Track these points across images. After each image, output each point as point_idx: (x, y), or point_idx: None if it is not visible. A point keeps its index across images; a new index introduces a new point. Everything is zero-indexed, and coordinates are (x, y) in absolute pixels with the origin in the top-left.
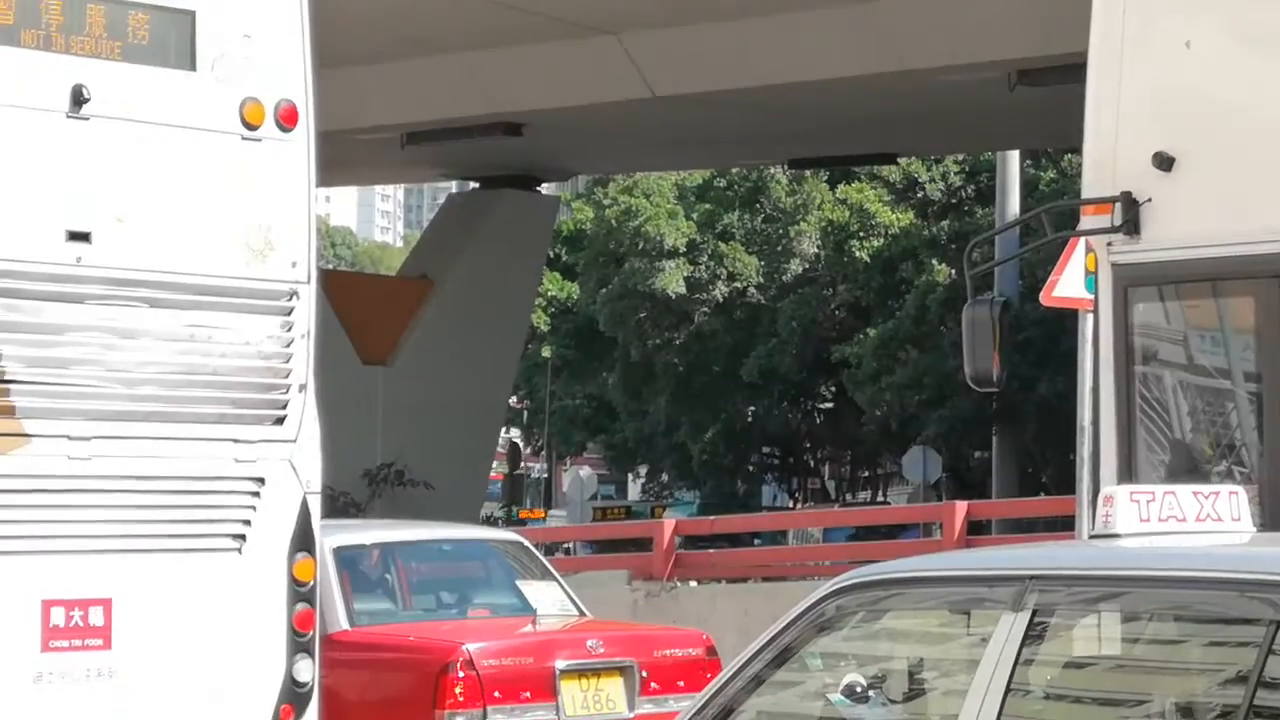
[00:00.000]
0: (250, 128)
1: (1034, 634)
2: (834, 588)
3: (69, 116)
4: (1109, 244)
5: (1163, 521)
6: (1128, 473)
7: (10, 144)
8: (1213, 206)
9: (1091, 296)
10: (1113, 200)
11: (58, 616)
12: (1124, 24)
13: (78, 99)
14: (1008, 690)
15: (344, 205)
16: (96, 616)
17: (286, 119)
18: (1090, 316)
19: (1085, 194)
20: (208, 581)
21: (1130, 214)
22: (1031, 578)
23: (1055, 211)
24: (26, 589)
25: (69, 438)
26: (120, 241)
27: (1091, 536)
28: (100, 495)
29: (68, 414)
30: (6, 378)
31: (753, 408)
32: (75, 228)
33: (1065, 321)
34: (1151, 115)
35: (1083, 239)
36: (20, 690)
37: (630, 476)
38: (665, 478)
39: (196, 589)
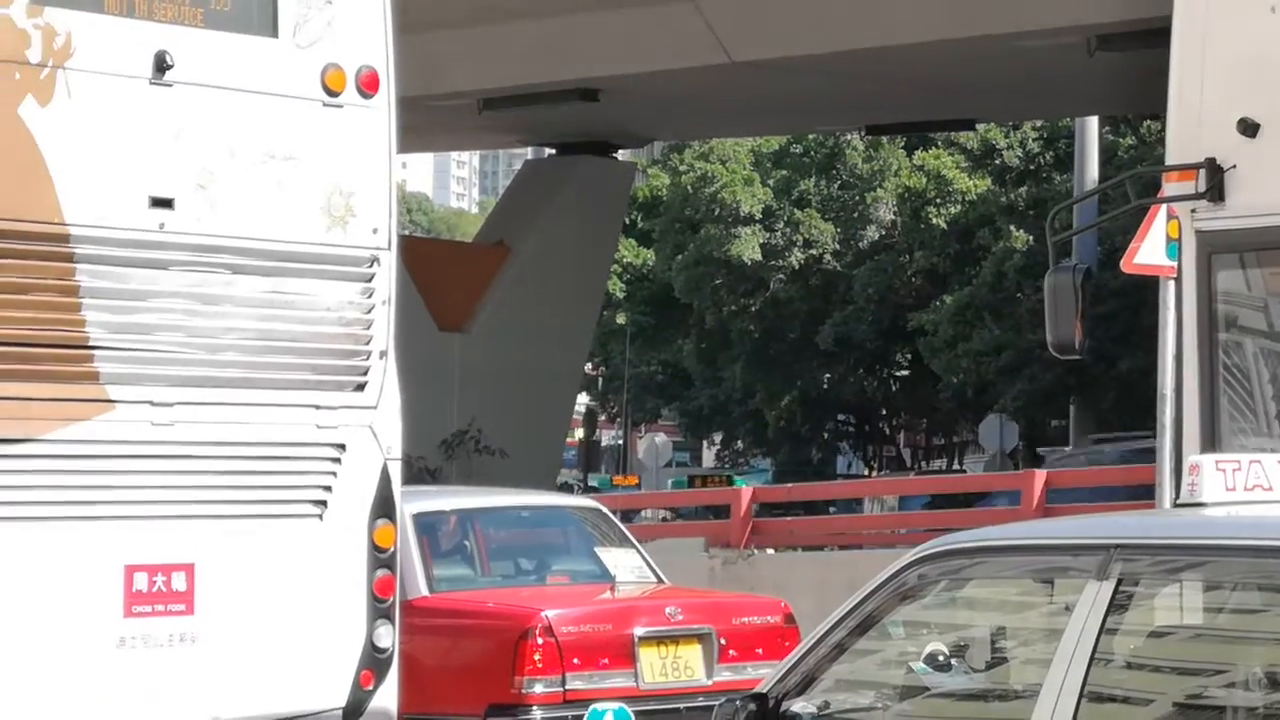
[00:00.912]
0: (332, 94)
1: (1119, 603)
2: (916, 556)
3: (152, 83)
4: (1193, 211)
5: (1249, 490)
6: (1211, 441)
7: (94, 111)
8: None
9: (1174, 264)
10: (1197, 167)
11: (140, 582)
12: None
13: (161, 65)
14: (1092, 659)
15: (420, 172)
16: (179, 582)
17: (368, 85)
18: (1172, 284)
19: (1169, 160)
20: (289, 547)
21: (1214, 180)
22: (1117, 546)
23: (1137, 178)
24: (110, 554)
25: (152, 403)
26: (203, 208)
27: (1176, 505)
28: (182, 461)
29: (151, 380)
30: (91, 343)
31: (828, 375)
32: (158, 194)
33: (1146, 293)
34: (1236, 81)
35: (1165, 206)
36: (103, 655)
37: (705, 444)
38: (740, 445)
39: (278, 555)
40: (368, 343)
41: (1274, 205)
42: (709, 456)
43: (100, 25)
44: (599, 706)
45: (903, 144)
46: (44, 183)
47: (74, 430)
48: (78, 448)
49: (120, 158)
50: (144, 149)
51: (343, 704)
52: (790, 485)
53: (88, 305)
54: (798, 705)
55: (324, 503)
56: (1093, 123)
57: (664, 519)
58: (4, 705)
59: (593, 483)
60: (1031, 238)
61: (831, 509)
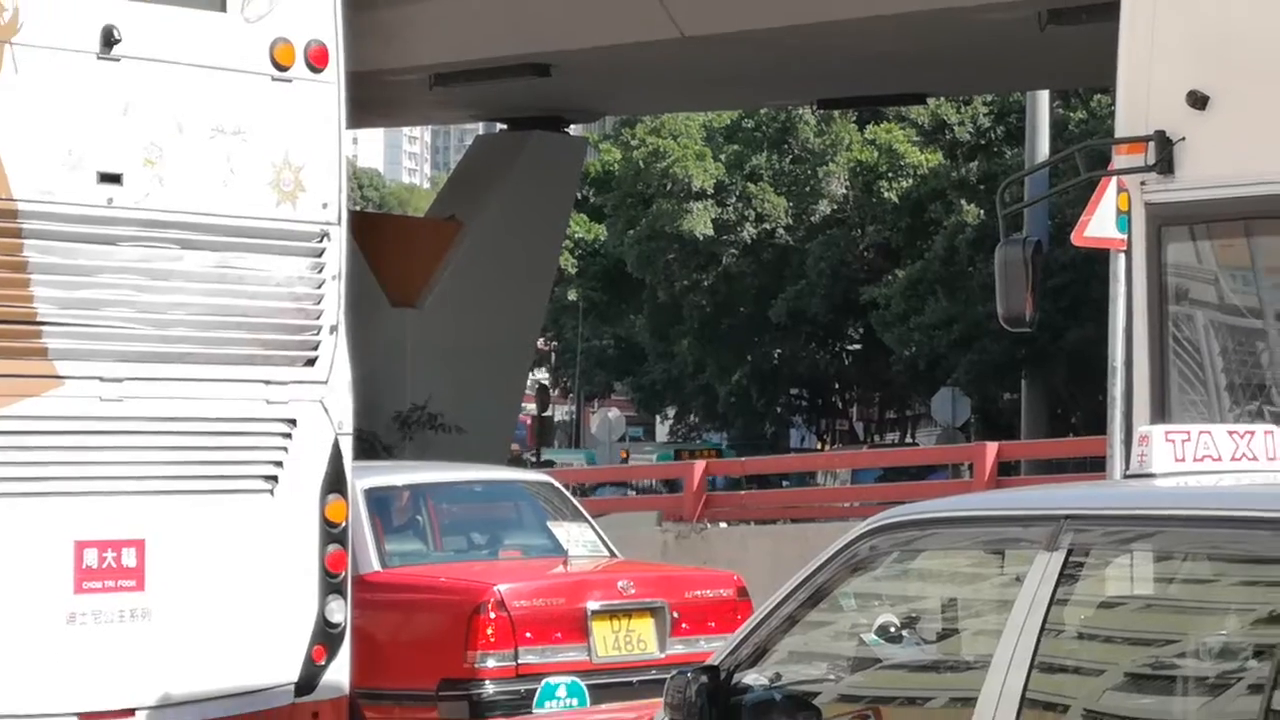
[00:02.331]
0: (280, 68)
1: (1069, 574)
2: (868, 528)
3: (99, 58)
4: (1142, 183)
5: (1198, 461)
6: (1160, 413)
7: (41, 85)
8: (1246, 145)
9: (1124, 236)
10: (1146, 139)
11: (90, 558)
12: None
13: (108, 40)
14: (1042, 630)
15: (371, 147)
16: (129, 558)
17: (317, 59)
18: (1122, 256)
19: (1118, 133)
20: (240, 523)
21: (1164, 153)
22: (1067, 517)
23: (1087, 151)
24: (59, 530)
25: (101, 379)
26: (151, 183)
27: (1126, 476)
28: (132, 436)
29: (99, 355)
30: (39, 319)
31: (780, 349)
32: (106, 169)
33: (1095, 266)
34: (1185, 53)
35: (1115, 179)
36: (54, 631)
37: (658, 418)
38: (693, 419)
39: (229, 530)
40: (318, 318)
41: (1223, 177)
42: (662, 431)
43: (47, 0)
44: (552, 680)
45: (854, 118)
46: None
47: (23, 406)
48: (26, 423)
49: (68, 133)
50: (92, 124)
51: (295, 679)
52: (744, 459)
53: (36, 281)
54: (750, 677)
55: (275, 478)
56: (1043, 97)
57: None
58: None
59: (548, 457)
60: (983, 212)
61: (785, 483)
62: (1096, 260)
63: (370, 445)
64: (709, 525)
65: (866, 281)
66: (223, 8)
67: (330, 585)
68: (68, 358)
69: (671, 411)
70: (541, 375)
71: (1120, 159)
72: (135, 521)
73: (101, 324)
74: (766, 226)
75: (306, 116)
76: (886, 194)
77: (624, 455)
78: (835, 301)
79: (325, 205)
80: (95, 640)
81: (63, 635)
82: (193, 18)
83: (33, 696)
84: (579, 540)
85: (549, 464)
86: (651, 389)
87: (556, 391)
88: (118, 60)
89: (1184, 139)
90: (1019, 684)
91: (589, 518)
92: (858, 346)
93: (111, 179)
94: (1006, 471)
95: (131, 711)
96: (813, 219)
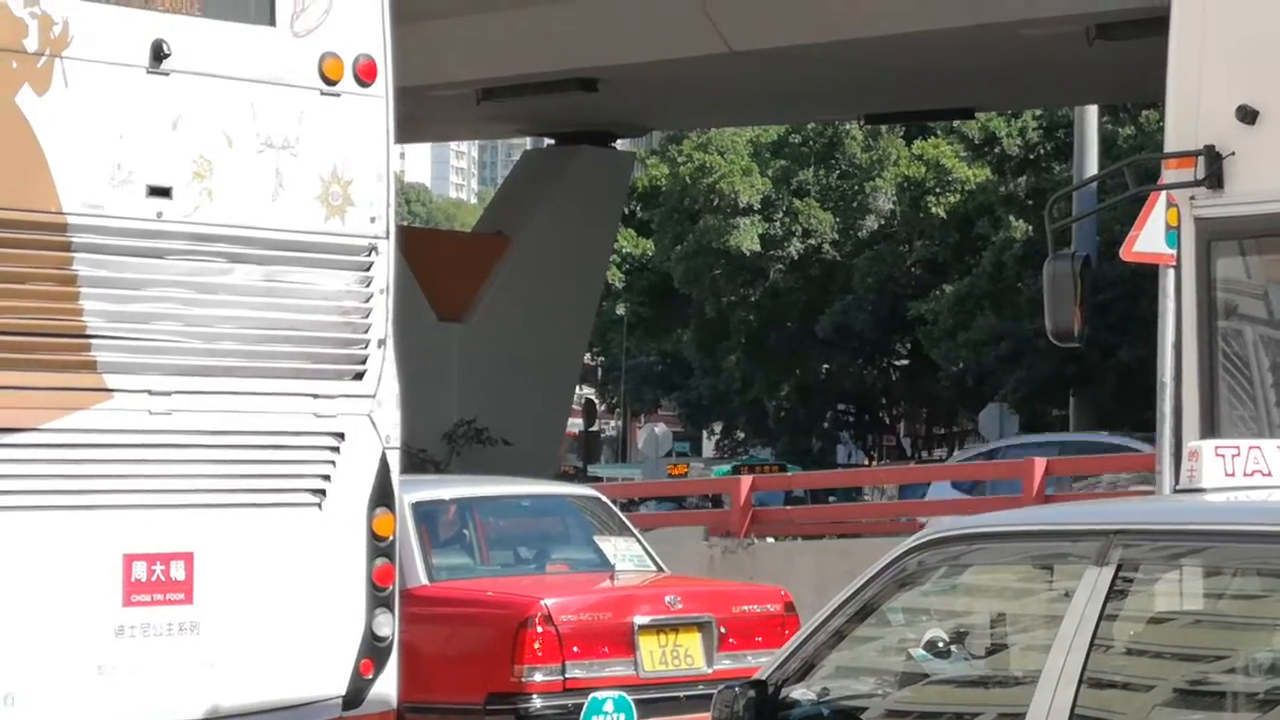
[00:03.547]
0: (329, 83)
1: (1118, 589)
2: (916, 542)
3: (149, 72)
4: (1191, 198)
5: (1248, 476)
6: (1210, 428)
7: (91, 99)
8: None
9: (1173, 252)
10: (1196, 154)
11: (139, 571)
12: None
13: (158, 54)
14: (1091, 646)
15: (418, 162)
16: (178, 571)
17: (365, 74)
18: (1171, 272)
19: (1167, 148)
20: (288, 536)
21: (1213, 167)
22: (1116, 532)
23: (1136, 167)
24: (108, 544)
25: (150, 392)
26: (200, 197)
27: (1175, 491)
28: (180, 450)
29: (149, 369)
30: (88, 332)
31: (827, 365)
32: (156, 183)
33: (1144, 283)
34: (1235, 68)
35: (1164, 194)
36: (103, 644)
37: (705, 433)
38: (740, 435)
39: (277, 544)
40: (366, 331)
41: (1273, 192)
42: (709, 446)
43: (97, 14)
44: (599, 695)
45: (902, 133)
46: (41, 172)
47: (72, 419)
48: (76, 437)
49: (118, 146)
50: (141, 138)
51: (342, 692)
52: (791, 474)
53: (85, 294)
54: (797, 692)
55: (323, 492)
56: (1092, 112)
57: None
58: (4, 696)
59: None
60: (1031, 227)
61: (831, 498)
62: (1146, 276)
63: (418, 459)
64: (756, 540)
65: (914, 297)
66: (272, 22)
67: (378, 599)
68: (117, 371)
69: (718, 427)
70: (588, 390)
71: (1169, 174)
72: (184, 535)
73: (150, 337)
74: (813, 242)
75: (355, 131)
76: (934, 209)
77: (682, 470)
78: (882, 317)
79: (373, 219)
80: (144, 653)
81: (111, 648)
82: (242, 32)
83: (81, 710)
84: (626, 554)
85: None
86: (698, 404)
87: (603, 407)
88: (167, 74)
89: (1233, 153)
90: (1068, 700)
91: (636, 532)
92: (905, 362)
93: (161, 193)
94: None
95: None
96: (860, 234)
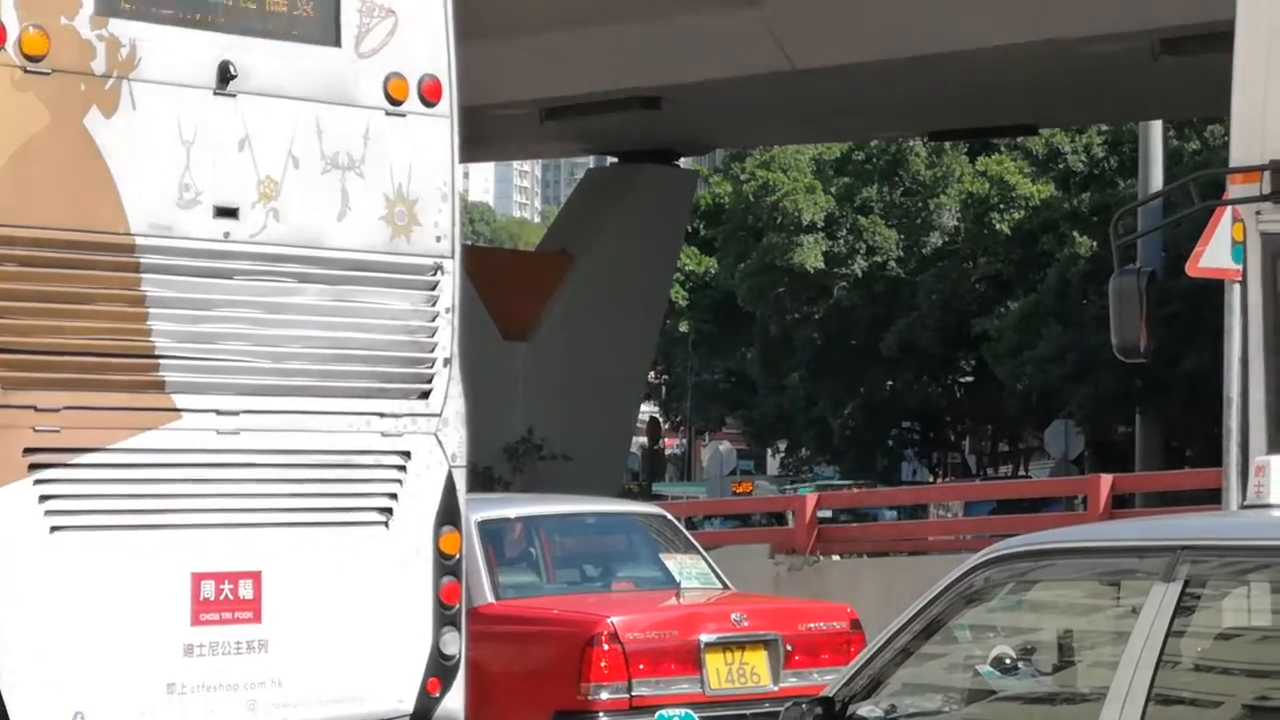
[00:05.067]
0: (394, 103)
1: (1185, 605)
2: (983, 559)
3: (216, 93)
4: (1258, 213)
5: None
6: (1277, 443)
7: (159, 121)
8: None
9: (1239, 267)
10: (1262, 169)
11: (208, 590)
12: None
13: (224, 75)
14: (1159, 662)
15: (482, 181)
16: (246, 590)
17: (430, 94)
18: (1238, 287)
19: (1233, 162)
20: (355, 555)
21: (1279, 183)
22: (1183, 548)
23: (1201, 182)
24: (177, 562)
25: (218, 412)
26: (267, 217)
27: (1242, 507)
28: (248, 469)
29: (216, 389)
30: (157, 353)
31: (891, 382)
32: (223, 203)
33: (1210, 295)
34: None
35: (1230, 209)
36: (172, 663)
37: (769, 451)
38: (804, 452)
39: (344, 562)
40: (432, 350)
41: None
42: (773, 464)
43: (164, 36)
44: (665, 712)
45: (965, 150)
46: (109, 193)
47: (141, 439)
48: (145, 456)
49: (184, 168)
50: (208, 159)
51: (410, 711)
52: (855, 491)
53: (154, 315)
54: (864, 709)
55: (389, 510)
56: (1157, 127)
57: None
58: (75, 714)
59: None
60: (1095, 243)
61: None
62: (1212, 289)
63: (484, 477)
64: (821, 558)
65: (978, 313)
66: (337, 43)
67: (445, 617)
68: (185, 391)
69: (782, 445)
70: (652, 408)
71: (1235, 189)
72: (252, 554)
73: (218, 357)
74: (877, 259)
75: (420, 151)
76: (998, 225)
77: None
78: (947, 334)
79: (439, 239)
80: (212, 672)
81: (180, 667)
82: (308, 53)
83: None
84: (691, 572)
85: (661, 498)
86: (762, 422)
87: (668, 425)
88: (234, 96)
89: None
90: (1136, 716)
91: (701, 549)
92: (970, 379)
93: (228, 213)
94: (1121, 504)
95: None
96: (924, 251)
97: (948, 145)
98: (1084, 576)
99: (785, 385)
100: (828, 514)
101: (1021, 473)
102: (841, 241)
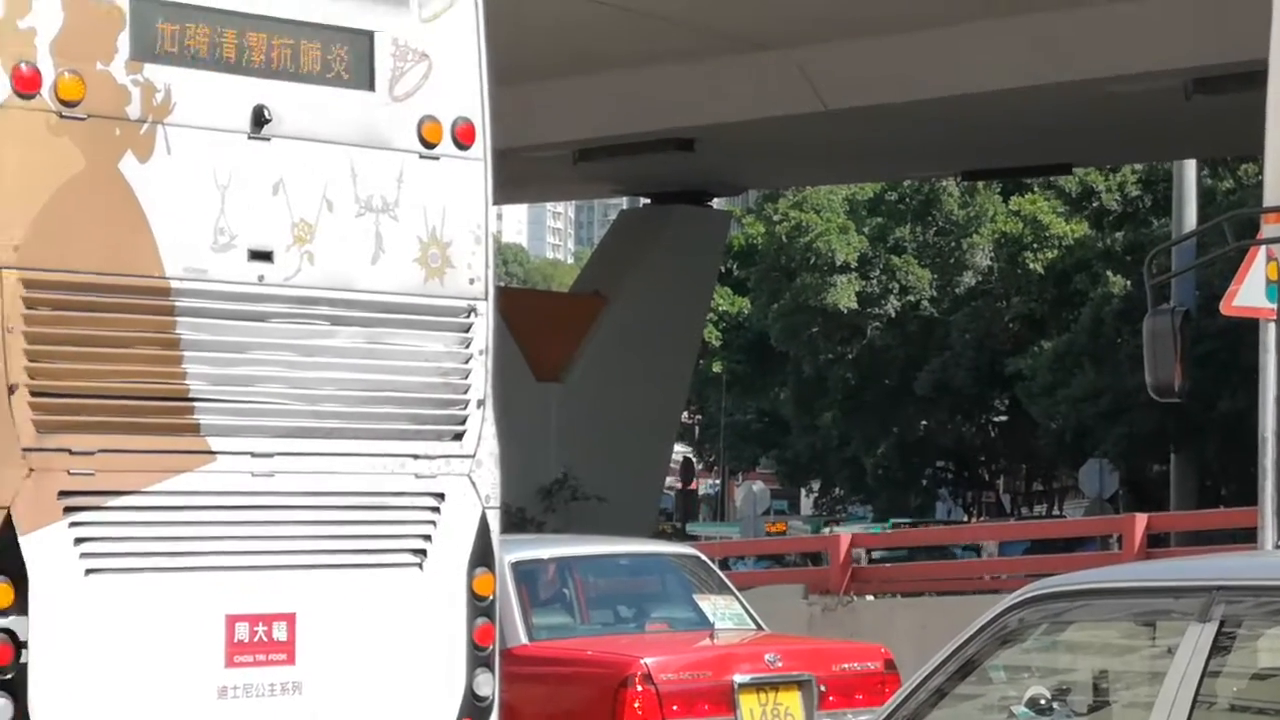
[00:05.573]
0: (428, 146)
1: (1221, 645)
2: (1018, 599)
3: (250, 137)
4: None
5: None
6: None
7: (193, 165)
8: None
9: (1274, 306)
10: None
11: (242, 632)
12: None
13: (259, 120)
14: (1195, 702)
15: (515, 223)
16: (280, 631)
17: (464, 137)
18: (1272, 326)
19: (1266, 202)
20: (389, 596)
21: None
22: (1219, 588)
23: (1235, 221)
24: (211, 604)
25: (252, 454)
26: (301, 260)
27: (1278, 546)
28: (283, 511)
29: (251, 431)
30: (191, 395)
31: (925, 421)
32: (257, 247)
33: (1245, 334)
34: None
35: (1264, 248)
36: (206, 705)
37: (803, 491)
38: (838, 492)
39: (378, 604)
40: (465, 392)
41: None
42: (807, 504)
43: (198, 80)
44: None
45: (999, 189)
46: (144, 237)
47: (176, 482)
48: (180, 499)
49: (219, 211)
50: (243, 202)
51: None
52: (888, 531)
53: (188, 358)
54: None
55: (423, 552)
56: (1191, 166)
57: None
58: None
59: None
60: (1129, 282)
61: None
62: (1246, 328)
63: (517, 518)
64: (855, 598)
65: (1012, 353)
66: (371, 86)
67: (478, 659)
68: (220, 434)
69: (816, 485)
70: (685, 449)
71: (1269, 228)
72: (286, 595)
73: (252, 400)
74: (911, 299)
75: (454, 193)
76: (1032, 265)
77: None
78: (980, 373)
79: (473, 281)
80: (246, 714)
81: (214, 709)
82: (342, 96)
83: None
84: (725, 613)
85: (694, 538)
86: (796, 462)
87: (701, 465)
88: (268, 140)
89: None
90: None
91: (735, 590)
92: (1004, 418)
93: (262, 256)
94: (1156, 544)
95: None
96: (957, 291)
97: (981, 185)
98: (1119, 617)
99: (818, 425)
100: (903, 552)
101: (1056, 512)
102: (875, 281)
